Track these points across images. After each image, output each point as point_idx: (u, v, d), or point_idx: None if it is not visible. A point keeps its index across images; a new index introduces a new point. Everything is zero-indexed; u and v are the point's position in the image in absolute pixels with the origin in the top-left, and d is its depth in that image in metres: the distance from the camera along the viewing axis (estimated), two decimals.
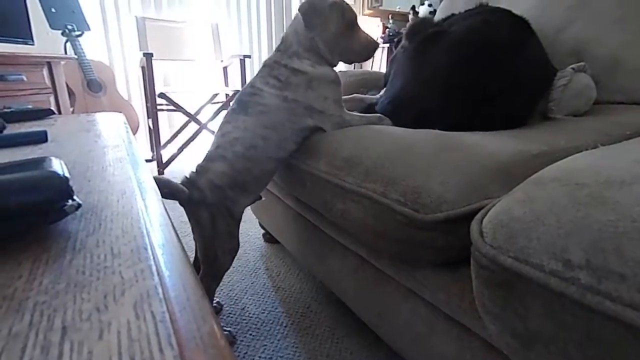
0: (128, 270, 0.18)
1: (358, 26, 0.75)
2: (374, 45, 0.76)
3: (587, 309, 0.27)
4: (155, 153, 2.03)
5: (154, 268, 0.18)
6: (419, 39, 0.84)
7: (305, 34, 0.71)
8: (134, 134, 2.11)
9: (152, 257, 0.19)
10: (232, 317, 0.85)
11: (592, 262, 0.27)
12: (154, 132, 1.96)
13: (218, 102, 2.24)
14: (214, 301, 0.88)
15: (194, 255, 1.14)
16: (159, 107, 1.95)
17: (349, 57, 0.76)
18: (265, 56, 2.83)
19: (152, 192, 0.32)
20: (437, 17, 1.39)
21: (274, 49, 3.26)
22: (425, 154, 0.53)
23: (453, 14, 0.92)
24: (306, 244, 0.88)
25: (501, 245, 0.33)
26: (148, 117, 2.24)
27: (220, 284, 0.97)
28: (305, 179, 0.70)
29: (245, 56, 2.12)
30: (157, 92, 1.88)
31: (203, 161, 0.71)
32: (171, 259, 0.20)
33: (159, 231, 0.23)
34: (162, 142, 2.02)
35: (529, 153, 0.53)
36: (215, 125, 2.15)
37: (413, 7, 2.99)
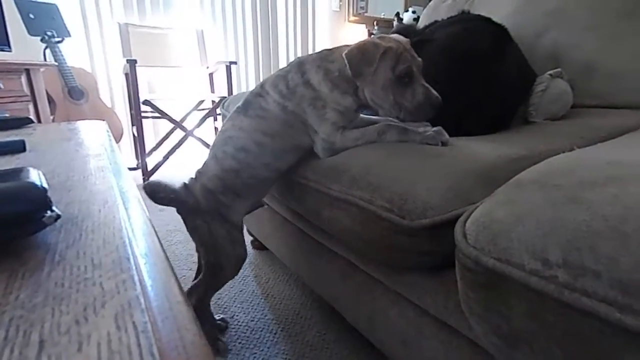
0: (109, 281, 0.17)
1: (417, 78, 0.61)
2: (434, 103, 0.59)
3: (566, 306, 0.28)
4: (140, 161, 2.00)
5: (136, 278, 0.18)
6: None
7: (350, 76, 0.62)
8: (118, 141, 2.07)
9: (134, 267, 0.19)
10: (221, 325, 0.83)
11: (568, 260, 0.28)
12: (139, 140, 1.93)
13: (204, 109, 2.22)
14: (218, 317, 0.84)
15: (181, 264, 1.12)
16: (143, 115, 1.92)
17: (398, 115, 0.62)
18: (252, 62, 2.83)
19: (135, 201, 0.31)
20: (421, 23, 1.43)
21: (260, 55, 3.20)
22: (410, 161, 0.54)
23: (436, 21, 0.95)
24: (295, 250, 0.88)
25: (484, 247, 0.34)
26: (132, 125, 2.20)
27: None
28: (293, 187, 0.70)
29: (231, 62, 2.11)
30: (142, 99, 1.86)
31: (201, 166, 0.69)
32: (154, 269, 0.19)
33: (142, 240, 0.23)
34: (148, 149, 1.99)
35: (510, 157, 0.55)
36: (201, 132, 2.14)
37: (397, 14, 3.05)
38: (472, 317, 0.38)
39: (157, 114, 1.95)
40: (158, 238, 0.24)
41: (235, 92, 2.38)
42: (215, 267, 0.68)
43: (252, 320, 0.85)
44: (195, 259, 1.15)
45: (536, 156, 0.55)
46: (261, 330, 0.82)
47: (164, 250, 0.22)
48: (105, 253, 0.20)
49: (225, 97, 1.92)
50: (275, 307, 0.90)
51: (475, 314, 0.37)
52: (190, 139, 2.05)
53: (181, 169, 2.22)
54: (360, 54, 0.60)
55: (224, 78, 2.13)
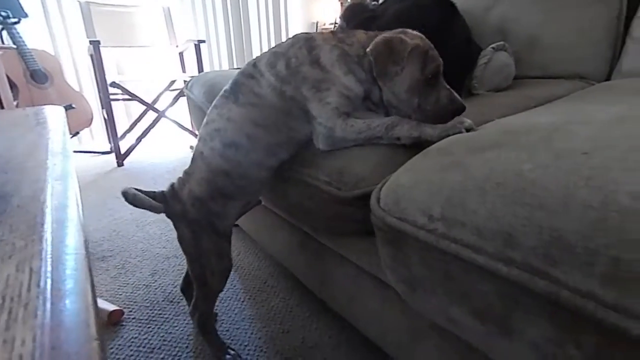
0: (21, 241, 0.21)
1: (441, 80, 0.56)
2: (459, 108, 0.55)
3: (442, 253, 0.33)
4: (112, 144, 1.98)
5: (44, 238, 0.22)
6: (355, 22, 0.88)
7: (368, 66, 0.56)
8: (88, 125, 2.03)
9: (46, 231, 0.23)
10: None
11: (445, 215, 0.33)
12: (109, 123, 1.90)
13: (176, 89, 2.19)
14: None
15: (154, 242, 1.16)
16: (113, 97, 1.89)
17: (421, 118, 0.55)
18: (223, 40, 2.76)
19: (70, 180, 0.35)
20: None
21: (232, 32, 3.09)
22: None
23: None
24: (260, 225, 0.93)
25: (390, 209, 0.39)
26: (102, 108, 2.16)
27: (181, 267, 1.01)
28: None
29: (200, 41, 2.07)
30: (109, 81, 1.82)
31: (189, 165, 0.62)
32: (66, 232, 0.23)
33: (63, 211, 0.27)
34: (120, 132, 1.97)
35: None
36: (174, 112, 2.11)
37: None
38: (387, 270, 0.43)
39: (127, 96, 1.92)
40: (80, 211, 0.28)
41: (207, 71, 2.34)
42: (200, 278, 0.62)
43: (221, 291, 0.91)
44: (169, 237, 1.19)
45: None
46: (230, 299, 0.88)
47: (80, 220, 0.26)
48: (24, 221, 0.24)
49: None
50: (244, 278, 0.96)
51: (388, 267, 0.43)
52: (163, 119, 2.03)
53: (155, 150, 2.21)
54: (387, 51, 0.54)
55: (194, 57, 2.09)
